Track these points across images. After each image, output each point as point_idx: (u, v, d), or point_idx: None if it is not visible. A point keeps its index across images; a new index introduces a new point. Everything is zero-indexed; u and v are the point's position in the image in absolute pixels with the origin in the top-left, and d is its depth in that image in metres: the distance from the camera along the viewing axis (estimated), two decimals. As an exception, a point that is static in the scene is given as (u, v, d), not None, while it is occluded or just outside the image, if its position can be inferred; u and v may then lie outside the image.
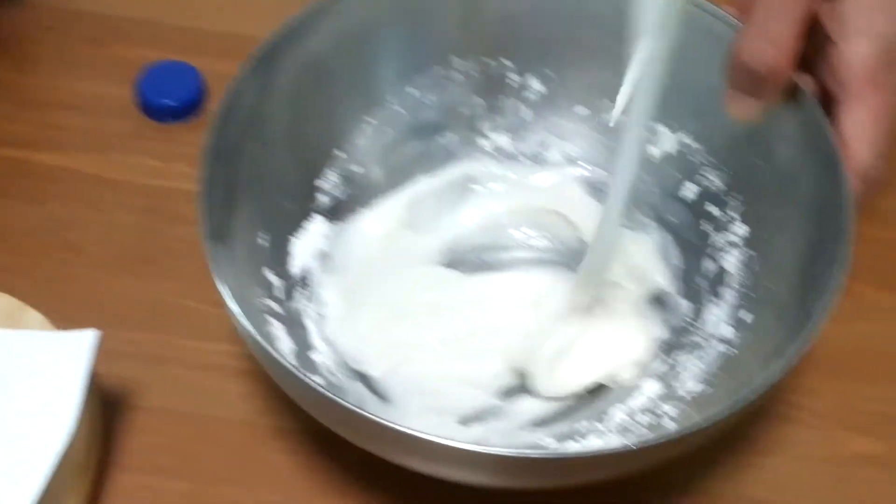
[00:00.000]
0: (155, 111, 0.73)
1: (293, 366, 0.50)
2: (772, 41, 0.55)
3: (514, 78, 0.68)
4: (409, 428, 0.47)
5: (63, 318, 0.60)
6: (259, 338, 0.51)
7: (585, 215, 0.67)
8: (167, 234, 0.68)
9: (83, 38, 0.78)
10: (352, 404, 0.48)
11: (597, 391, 0.61)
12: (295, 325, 0.61)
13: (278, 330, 0.59)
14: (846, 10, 0.57)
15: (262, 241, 0.61)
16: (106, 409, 0.60)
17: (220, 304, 0.64)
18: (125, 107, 0.74)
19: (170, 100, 0.73)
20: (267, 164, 0.61)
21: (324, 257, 0.65)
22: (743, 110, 0.57)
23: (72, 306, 0.64)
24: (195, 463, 0.60)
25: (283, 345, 0.58)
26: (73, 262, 0.67)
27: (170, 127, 0.73)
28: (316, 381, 0.50)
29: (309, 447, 0.60)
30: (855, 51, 0.56)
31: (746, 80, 0.56)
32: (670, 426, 0.56)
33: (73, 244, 0.68)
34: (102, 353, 0.60)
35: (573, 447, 0.57)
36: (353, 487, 0.59)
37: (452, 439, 0.47)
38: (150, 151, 0.72)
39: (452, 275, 0.66)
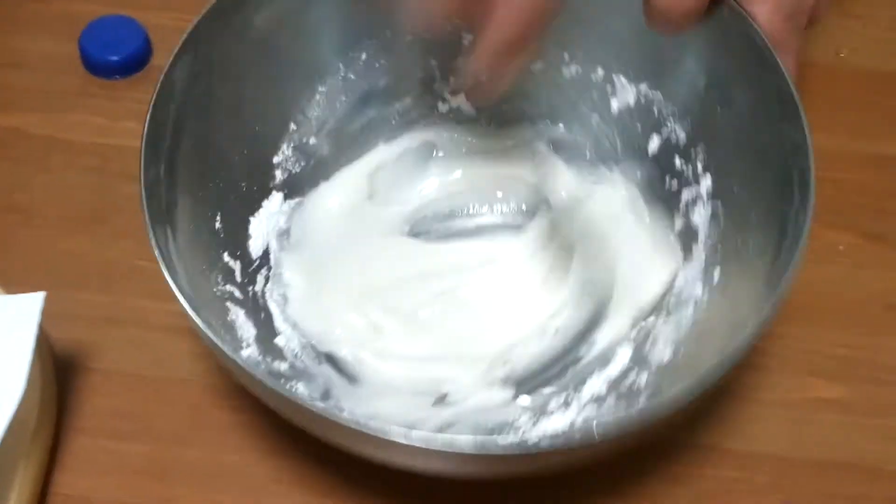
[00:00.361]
0: (99, 68, 0.72)
1: (242, 361, 0.49)
2: None
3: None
4: (355, 422, 0.46)
5: (13, 282, 0.59)
6: (207, 331, 0.49)
7: (550, 173, 0.66)
8: (117, 193, 0.67)
9: (25, -6, 0.76)
10: (300, 398, 0.48)
11: (574, 358, 0.60)
12: (258, 310, 0.60)
13: (240, 317, 0.57)
14: None
15: (219, 223, 0.59)
16: (60, 372, 0.60)
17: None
18: (70, 64, 0.72)
19: (114, 55, 0.71)
20: (215, 144, 0.59)
21: (284, 236, 0.63)
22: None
23: (22, 269, 0.63)
24: (152, 425, 0.59)
25: (246, 332, 0.57)
26: (21, 224, 0.66)
27: (116, 83, 0.72)
28: (279, 367, 0.49)
29: (266, 407, 0.59)
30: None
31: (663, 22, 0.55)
32: (642, 396, 0.56)
33: (20, 206, 0.67)
34: (55, 315, 0.59)
35: (529, 436, 0.55)
36: (312, 446, 0.58)
37: (401, 432, 0.46)
38: (97, 109, 0.71)
39: (418, 245, 0.65)
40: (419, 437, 0.46)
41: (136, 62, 0.72)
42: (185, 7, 0.74)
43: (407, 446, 0.46)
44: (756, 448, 0.60)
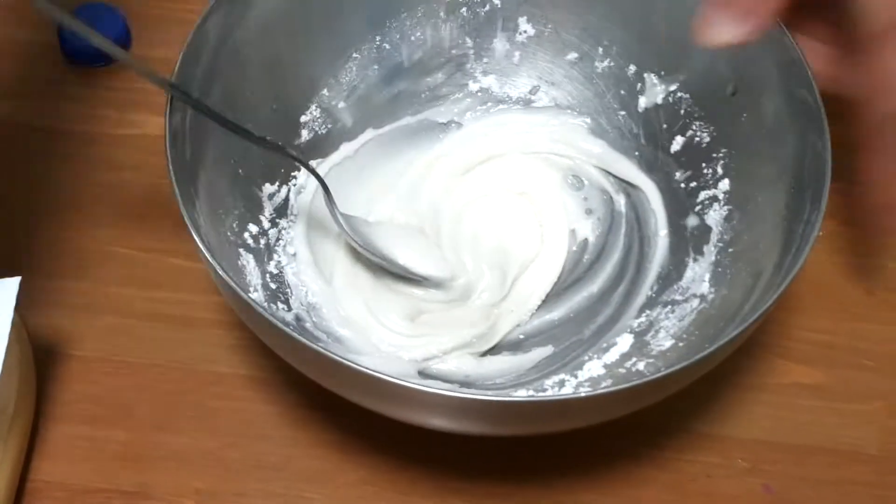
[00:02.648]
0: (78, 56, 0.71)
1: (260, 305, 0.49)
2: None
3: (504, 18, 0.67)
4: (364, 367, 0.47)
5: (-10, 269, 0.58)
6: (226, 276, 0.49)
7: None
8: (95, 181, 0.67)
9: (3, -18, 0.75)
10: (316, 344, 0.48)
11: (573, 344, 0.61)
12: (269, 260, 0.60)
13: (250, 263, 0.58)
14: None
15: (241, 172, 0.60)
16: (38, 359, 0.59)
17: (153, 249, 0.64)
18: (49, 52, 0.72)
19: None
20: (245, 95, 0.60)
21: (300, 192, 0.63)
22: (719, 34, 0.52)
23: (-1, 256, 0.63)
24: (131, 411, 0.59)
25: (254, 278, 0.58)
26: (-2, 212, 0.66)
27: (94, 71, 0.71)
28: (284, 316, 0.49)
29: (245, 392, 0.60)
30: None
31: None
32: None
33: (-2, 193, 0.66)
34: (32, 303, 0.59)
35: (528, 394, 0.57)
36: (293, 431, 0.59)
37: (417, 383, 0.47)
38: (75, 97, 0.70)
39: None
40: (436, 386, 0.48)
41: (114, 50, 0.71)
42: (165, -5, 0.75)
43: (421, 392, 0.47)
44: (736, 433, 0.60)
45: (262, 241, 0.60)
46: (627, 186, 0.66)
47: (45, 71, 0.71)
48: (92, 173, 0.67)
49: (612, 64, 0.66)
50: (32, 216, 0.65)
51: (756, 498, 0.58)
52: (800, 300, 0.64)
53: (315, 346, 0.47)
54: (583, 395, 0.50)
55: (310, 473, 0.57)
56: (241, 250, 0.58)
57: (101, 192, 0.66)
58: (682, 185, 0.64)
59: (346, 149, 0.65)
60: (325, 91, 0.65)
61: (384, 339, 0.59)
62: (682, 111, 0.64)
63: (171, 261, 0.63)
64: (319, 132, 0.65)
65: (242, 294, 0.49)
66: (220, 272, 0.49)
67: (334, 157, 0.65)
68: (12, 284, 0.55)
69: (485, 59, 0.68)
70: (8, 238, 0.64)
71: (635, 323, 0.60)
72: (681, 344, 0.57)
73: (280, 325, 0.48)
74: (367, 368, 0.46)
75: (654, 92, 0.65)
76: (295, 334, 0.47)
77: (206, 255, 0.50)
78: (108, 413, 0.59)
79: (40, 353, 0.60)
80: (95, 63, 0.71)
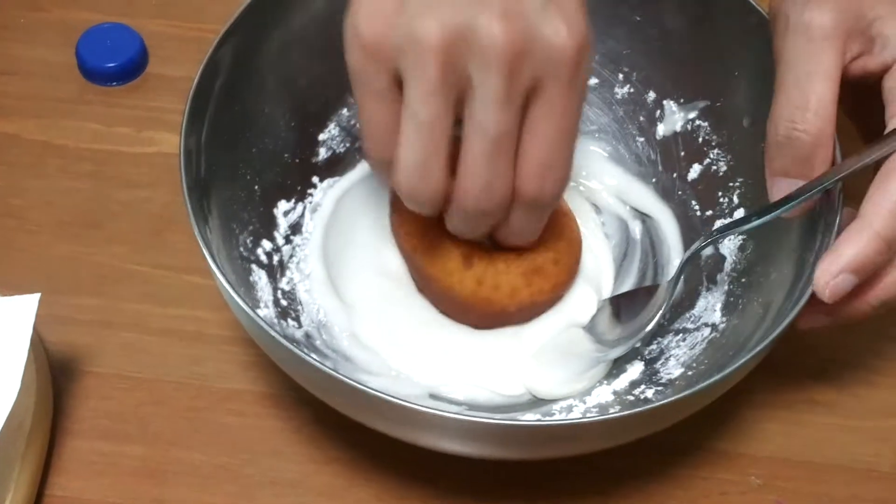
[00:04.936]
0: (96, 74, 0.72)
1: (271, 326, 0.50)
2: (809, 107, 0.52)
3: None
4: (377, 391, 0.47)
5: (8, 286, 0.59)
6: (238, 299, 0.50)
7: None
8: (112, 198, 0.67)
9: (23, 3, 0.76)
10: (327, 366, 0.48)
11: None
12: (281, 276, 0.61)
13: (262, 279, 0.59)
14: (889, 38, 0.52)
15: (258, 188, 0.60)
16: (56, 375, 0.60)
17: (169, 267, 0.64)
18: (67, 71, 0.73)
19: (110, 62, 0.72)
20: (263, 112, 0.60)
21: (316, 210, 0.64)
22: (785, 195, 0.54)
23: (17, 274, 0.64)
24: (148, 427, 0.59)
25: (266, 294, 0.58)
26: (17, 229, 0.66)
27: (112, 90, 0.72)
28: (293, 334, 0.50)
29: (259, 409, 0.60)
30: None
31: (787, 157, 0.53)
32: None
33: (16, 211, 0.67)
34: (50, 319, 0.59)
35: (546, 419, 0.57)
36: (306, 447, 0.59)
37: (431, 406, 0.48)
38: (93, 115, 0.71)
39: None
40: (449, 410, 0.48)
41: (132, 69, 0.72)
42: (182, 15, 0.75)
43: (435, 417, 0.47)
44: (750, 450, 0.60)
45: (276, 258, 0.61)
46: (643, 214, 0.66)
47: (63, 90, 0.72)
48: (109, 191, 0.68)
49: (631, 90, 0.66)
50: (50, 233, 0.66)
51: (770, 515, 0.58)
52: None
53: (323, 366, 0.48)
54: (593, 419, 0.50)
55: (323, 489, 0.58)
56: (253, 266, 0.59)
57: (117, 210, 0.67)
58: (699, 213, 0.64)
59: (363, 167, 0.65)
60: (344, 110, 0.65)
61: (398, 360, 0.58)
62: (700, 139, 0.64)
63: (187, 278, 0.64)
64: (338, 151, 0.65)
65: (250, 311, 0.49)
66: (228, 288, 0.50)
67: (352, 176, 0.65)
68: (32, 301, 0.56)
69: None
70: (27, 254, 0.65)
71: (646, 350, 0.60)
72: (690, 372, 0.57)
73: (287, 343, 0.48)
74: (373, 389, 0.47)
75: (673, 119, 0.65)
76: (304, 353, 0.48)
77: (215, 269, 0.50)
78: (124, 429, 0.59)
79: (57, 369, 0.60)
80: (112, 82, 0.72)
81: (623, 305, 0.60)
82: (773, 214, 0.54)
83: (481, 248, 0.56)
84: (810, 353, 0.63)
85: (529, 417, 0.57)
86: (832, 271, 0.51)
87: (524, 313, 0.58)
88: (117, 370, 0.61)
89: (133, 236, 0.66)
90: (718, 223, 0.63)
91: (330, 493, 0.58)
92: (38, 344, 0.59)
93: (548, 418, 0.57)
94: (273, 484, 0.58)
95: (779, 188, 0.54)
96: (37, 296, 0.56)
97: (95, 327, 0.62)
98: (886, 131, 0.52)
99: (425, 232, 0.56)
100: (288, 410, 0.60)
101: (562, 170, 0.50)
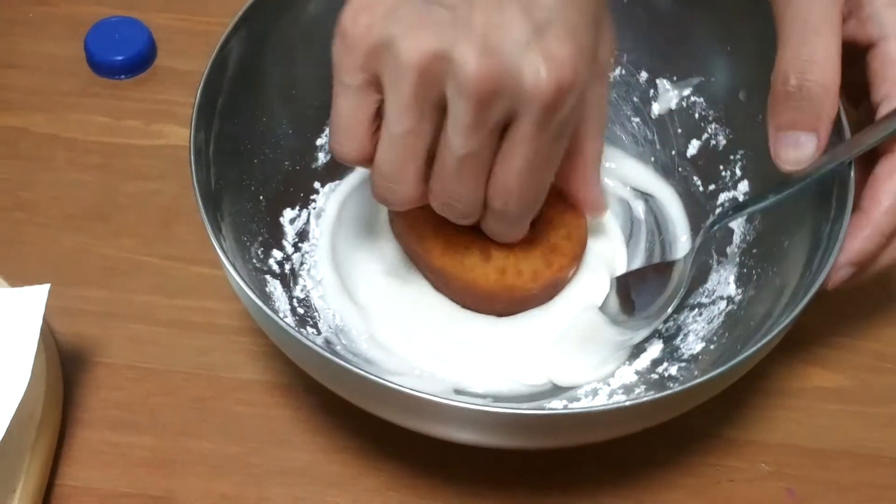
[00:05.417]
0: (104, 68, 0.72)
1: (287, 324, 0.50)
2: (818, 59, 0.52)
3: None
4: (393, 383, 0.47)
5: (18, 278, 0.59)
6: (254, 296, 0.50)
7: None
8: (121, 191, 0.68)
9: (30, -3, 0.77)
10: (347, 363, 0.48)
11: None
12: (295, 285, 0.61)
13: (277, 289, 0.59)
14: (877, 11, 0.53)
15: (262, 199, 0.60)
16: (65, 365, 0.60)
17: (178, 258, 0.65)
18: (75, 65, 0.73)
19: (118, 55, 0.72)
20: (263, 121, 0.61)
21: (320, 216, 0.64)
22: (795, 153, 0.54)
23: (27, 265, 0.64)
24: (157, 417, 0.60)
25: (283, 304, 0.58)
26: (27, 222, 0.66)
27: (120, 83, 0.72)
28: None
29: (268, 398, 0.60)
30: None
31: (796, 110, 0.53)
32: (674, 385, 0.56)
33: (26, 203, 0.67)
34: (60, 311, 0.60)
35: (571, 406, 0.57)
36: (315, 436, 0.59)
37: (451, 399, 0.47)
38: (101, 108, 0.71)
39: None
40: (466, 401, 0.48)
41: (140, 62, 0.73)
42: (190, 8, 0.76)
43: (455, 408, 0.47)
44: (759, 437, 0.60)
45: (287, 267, 0.61)
46: (645, 194, 0.66)
47: (72, 83, 0.73)
48: (118, 183, 0.68)
49: (623, 72, 0.66)
50: (60, 226, 0.66)
51: (779, 502, 0.58)
52: (821, 304, 0.63)
53: (360, 371, 0.48)
54: (626, 403, 0.49)
55: (332, 478, 0.58)
56: (267, 277, 0.59)
57: (126, 202, 0.67)
58: (701, 188, 0.64)
59: (362, 171, 0.64)
60: None
61: (420, 358, 0.58)
62: (697, 115, 0.64)
63: (195, 269, 0.64)
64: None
65: (279, 320, 0.49)
66: (254, 298, 0.50)
67: (352, 179, 0.65)
68: (42, 292, 0.56)
69: None
70: (36, 247, 0.65)
71: (663, 328, 0.60)
72: (711, 346, 0.57)
73: (328, 354, 0.48)
74: (404, 387, 0.47)
75: (668, 97, 0.65)
76: (344, 362, 0.48)
77: (241, 284, 0.50)
78: (134, 419, 0.59)
79: (67, 360, 0.60)
80: (120, 75, 0.72)
81: (633, 284, 0.60)
82: (787, 192, 0.54)
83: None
84: (819, 341, 0.63)
85: (556, 405, 0.57)
86: (835, 266, 0.52)
87: (549, 291, 0.59)
88: (126, 361, 0.61)
89: (141, 228, 0.66)
90: (722, 196, 0.63)
91: (339, 482, 0.58)
92: (48, 335, 0.60)
93: (574, 404, 0.57)
94: (282, 473, 0.58)
95: (785, 143, 0.54)
96: (46, 286, 0.56)
97: (104, 318, 0.63)
98: (879, 112, 0.53)
99: (436, 232, 0.56)
100: (297, 400, 0.60)
101: (528, 197, 0.50)
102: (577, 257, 0.59)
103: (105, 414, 0.59)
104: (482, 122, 0.46)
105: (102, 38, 0.72)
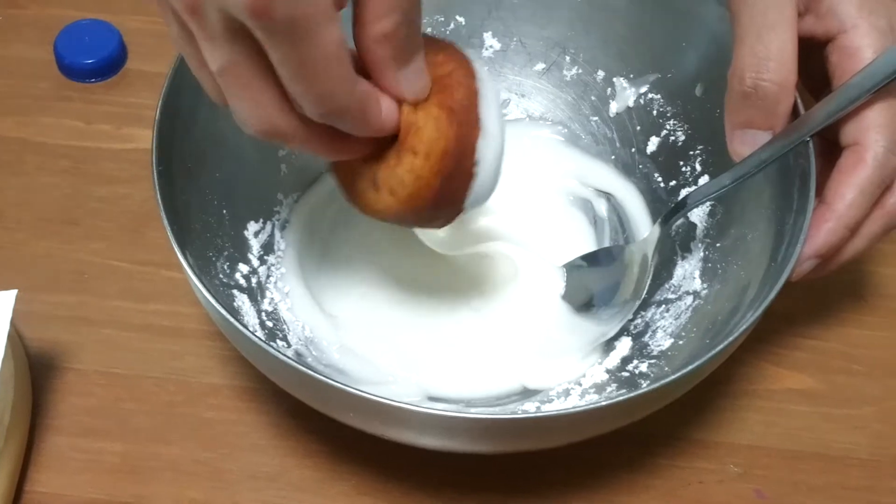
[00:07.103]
0: (74, 71, 0.72)
1: (258, 337, 0.50)
2: (773, 56, 0.52)
3: (468, 35, 0.67)
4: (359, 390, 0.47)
5: (-14, 283, 0.59)
6: (223, 311, 0.50)
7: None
8: (91, 195, 0.67)
9: (-1, -1, 0.76)
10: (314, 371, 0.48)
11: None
12: (263, 298, 0.60)
13: (245, 304, 0.58)
14: (835, 5, 0.53)
15: (226, 213, 0.60)
16: (34, 371, 0.60)
17: (148, 262, 0.64)
18: (45, 68, 0.73)
19: (89, 59, 0.72)
20: (226, 136, 0.59)
21: (285, 227, 0.63)
22: (752, 150, 0.54)
23: (-4, 271, 0.63)
24: (128, 423, 0.60)
25: (251, 319, 0.58)
26: (-5, 227, 0.66)
27: (90, 86, 0.72)
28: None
29: (238, 403, 0.60)
30: (859, 44, 0.53)
31: (752, 108, 0.53)
32: (644, 382, 0.56)
33: (-6, 208, 0.67)
34: (29, 316, 0.60)
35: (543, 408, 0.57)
36: (285, 441, 0.59)
37: (421, 406, 0.48)
38: (71, 112, 0.71)
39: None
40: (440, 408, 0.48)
41: (110, 65, 0.72)
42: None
43: (425, 415, 0.47)
44: (728, 439, 0.60)
45: (254, 280, 0.60)
46: (607, 193, 0.66)
47: (42, 87, 0.72)
48: (87, 188, 0.68)
49: (580, 71, 0.67)
50: (29, 230, 0.66)
51: (748, 503, 0.59)
52: (791, 306, 0.64)
53: (338, 384, 0.47)
54: (604, 403, 0.48)
55: (303, 483, 0.58)
56: (234, 291, 0.58)
57: (96, 207, 0.67)
58: (663, 185, 0.64)
59: (327, 180, 0.64)
60: None
61: (392, 364, 0.59)
62: (655, 112, 0.65)
63: (166, 273, 0.64)
64: (296, 165, 0.64)
65: (250, 335, 0.49)
66: (225, 314, 0.50)
67: (318, 189, 0.65)
68: (8, 297, 0.56)
69: None
70: (6, 252, 0.65)
71: (631, 325, 0.60)
72: (680, 342, 0.57)
73: (304, 367, 0.48)
74: (377, 396, 0.47)
75: (625, 95, 0.66)
76: (320, 375, 0.48)
77: (213, 302, 0.50)
78: (104, 425, 0.59)
79: (37, 366, 0.60)
80: (91, 78, 0.72)
81: (586, 272, 0.61)
82: (746, 175, 0.54)
83: (379, 156, 0.50)
84: (788, 343, 0.63)
85: (528, 407, 0.57)
86: (800, 258, 0.52)
87: (444, 184, 0.49)
88: (97, 366, 0.61)
89: (112, 233, 0.66)
90: (684, 192, 0.63)
91: (310, 487, 0.58)
92: (17, 340, 0.59)
93: (547, 406, 0.57)
94: (253, 478, 0.58)
95: (742, 140, 0.54)
96: (13, 292, 0.56)
97: (75, 324, 0.62)
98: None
99: (346, 170, 0.52)
100: (267, 404, 0.60)
101: (323, 93, 0.44)
102: (472, 93, 0.48)
103: (75, 420, 0.59)
104: (206, 30, 0.42)
105: (72, 42, 0.72)
